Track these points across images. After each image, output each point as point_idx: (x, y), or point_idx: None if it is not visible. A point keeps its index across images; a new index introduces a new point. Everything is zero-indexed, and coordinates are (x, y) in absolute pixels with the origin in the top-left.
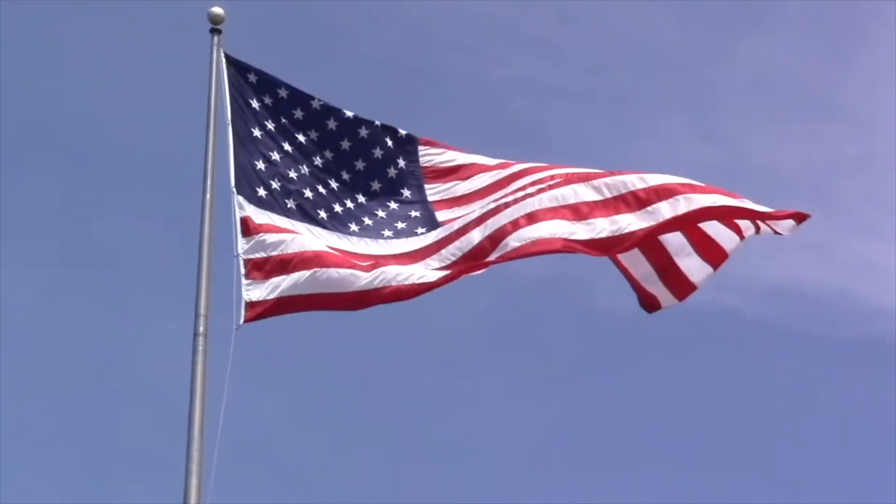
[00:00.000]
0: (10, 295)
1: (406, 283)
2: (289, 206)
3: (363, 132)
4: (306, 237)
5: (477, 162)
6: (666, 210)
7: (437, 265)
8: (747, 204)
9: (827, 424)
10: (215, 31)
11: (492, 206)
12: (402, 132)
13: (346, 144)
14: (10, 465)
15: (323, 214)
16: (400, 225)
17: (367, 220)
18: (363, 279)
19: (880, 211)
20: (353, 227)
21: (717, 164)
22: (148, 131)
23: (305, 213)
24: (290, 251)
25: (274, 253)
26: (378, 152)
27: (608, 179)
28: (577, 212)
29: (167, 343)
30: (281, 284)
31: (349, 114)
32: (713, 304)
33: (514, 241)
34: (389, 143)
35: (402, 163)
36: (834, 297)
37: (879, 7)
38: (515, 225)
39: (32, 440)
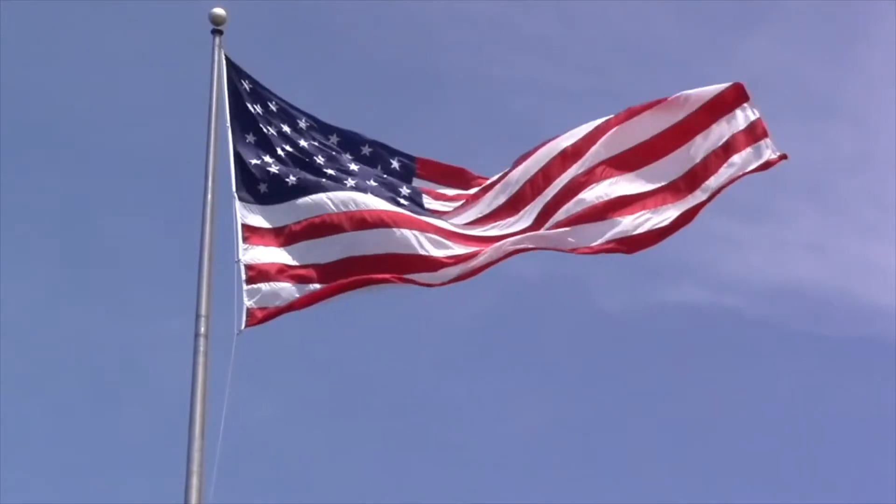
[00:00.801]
0: (10, 295)
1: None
2: (291, 196)
3: (348, 157)
4: (310, 241)
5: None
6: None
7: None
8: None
9: (827, 424)
10: (217, 31)
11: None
12: (395, 163)
13: (338, 161)
14: (10, 464)
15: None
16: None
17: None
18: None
19: (880, 210)
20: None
21: None
22: (149, 131)
23: (308, 191)
24: (295, 262)
25: (278, 262)
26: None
27: (640, 172)
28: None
29: (168, 343)
30: (286, 292)
31: (334, 140)
32: (713, 304)
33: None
34: (380, 170)
35: (397, 183)
36: (833, 297)
37: (879, 6)
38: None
39: (32, 440)
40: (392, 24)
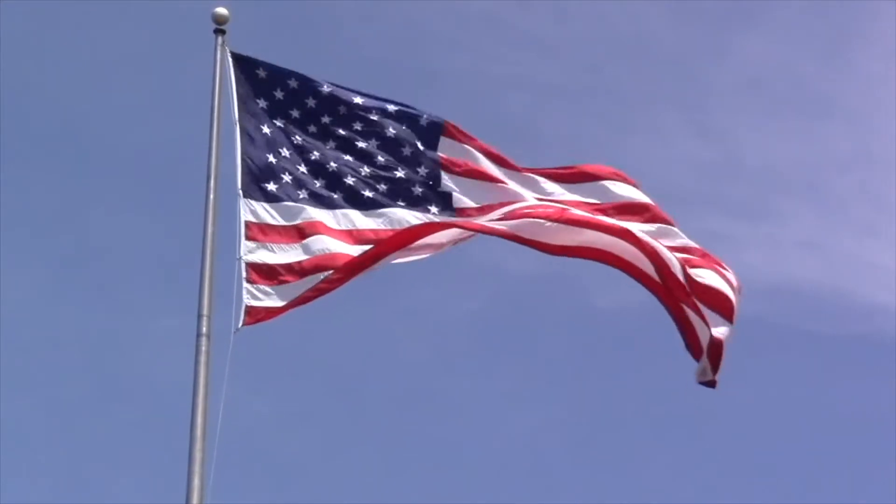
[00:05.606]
0: (10, 294)
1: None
2: (300, 195)
3: (374, 116)
4: (315, 238)
5: (489, 172)
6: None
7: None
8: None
9: (825, 422)
10: (219, 31)
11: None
12: (424, 122)
13: (358, 126)
14: (10, 464)
15: (336, 195)
16: (404, 204)
17: (381, 186)
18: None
19: (877, 208)
20: (368, 193)
21: (712, 162)
22: (151, 131)
23: (319, 198)
24: (297, 260)
25: (280, 262)
26: (391, 132)
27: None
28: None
29: (168, 342)
30: (286, 292)
31: (358, 99)
32: None
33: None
34: (405, 126)
35: (419, 145)
36: (831, 295)
37: (875, 5)
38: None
39: (32, 440)
40: (389, 22)
